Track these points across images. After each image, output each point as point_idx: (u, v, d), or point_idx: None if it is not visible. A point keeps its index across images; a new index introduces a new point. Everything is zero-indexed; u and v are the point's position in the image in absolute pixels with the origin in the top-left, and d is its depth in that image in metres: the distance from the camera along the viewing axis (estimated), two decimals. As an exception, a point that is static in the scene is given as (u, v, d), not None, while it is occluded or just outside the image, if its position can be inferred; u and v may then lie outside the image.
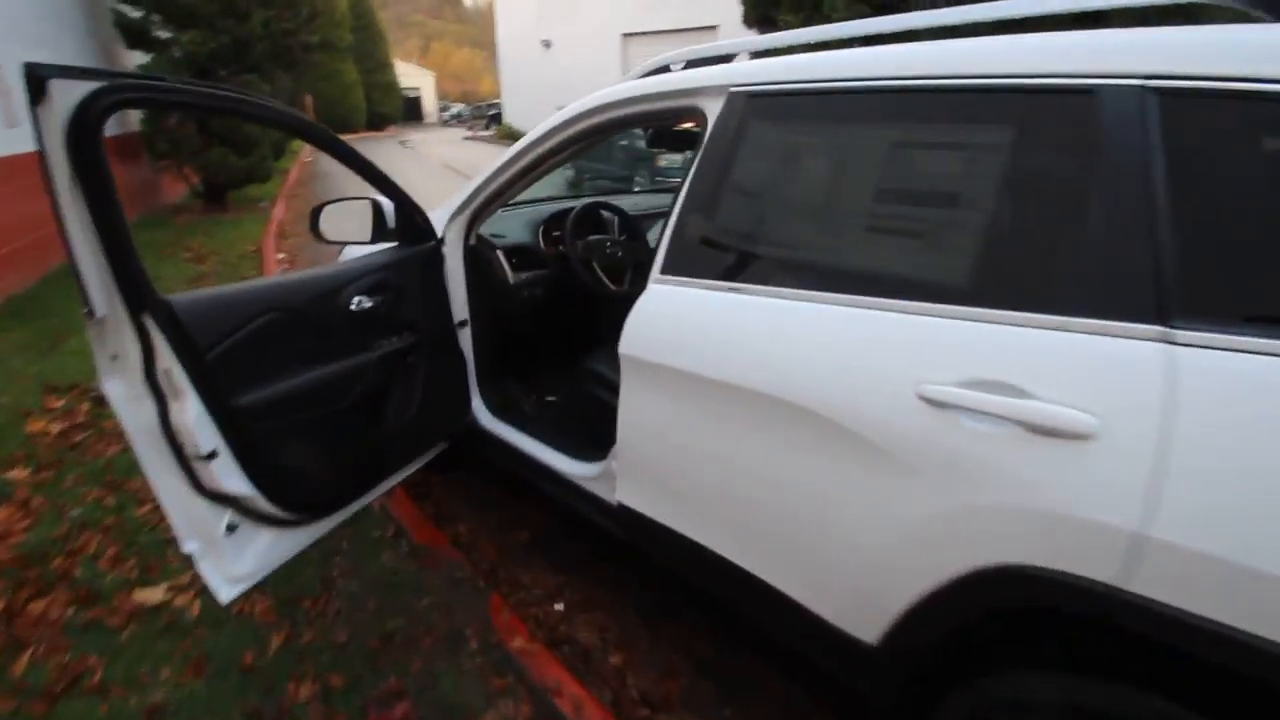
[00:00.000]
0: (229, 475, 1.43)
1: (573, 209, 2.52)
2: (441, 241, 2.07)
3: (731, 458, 1.36)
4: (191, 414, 1.34)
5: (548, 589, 2.08)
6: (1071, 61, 1.02)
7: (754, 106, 1.39)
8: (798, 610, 1.30)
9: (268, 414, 1.50)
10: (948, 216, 1.15)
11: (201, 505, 1.43)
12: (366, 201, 1.94)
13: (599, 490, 1.89)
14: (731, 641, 1.87)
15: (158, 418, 1.34)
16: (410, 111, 40.54)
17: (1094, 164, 0.97)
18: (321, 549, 2.12)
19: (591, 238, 2.32)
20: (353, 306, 1.71)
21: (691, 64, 1.73)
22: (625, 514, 1.69)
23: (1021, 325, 1.00)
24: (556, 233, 2.44)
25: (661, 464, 1.54)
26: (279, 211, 8.98)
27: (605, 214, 2.48)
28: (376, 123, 31.56)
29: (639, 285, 1.55)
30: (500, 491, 2.55)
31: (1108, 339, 0.93)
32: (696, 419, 1.41)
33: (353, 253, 2.11)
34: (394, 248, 1.95)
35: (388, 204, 1.94)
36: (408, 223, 1.94)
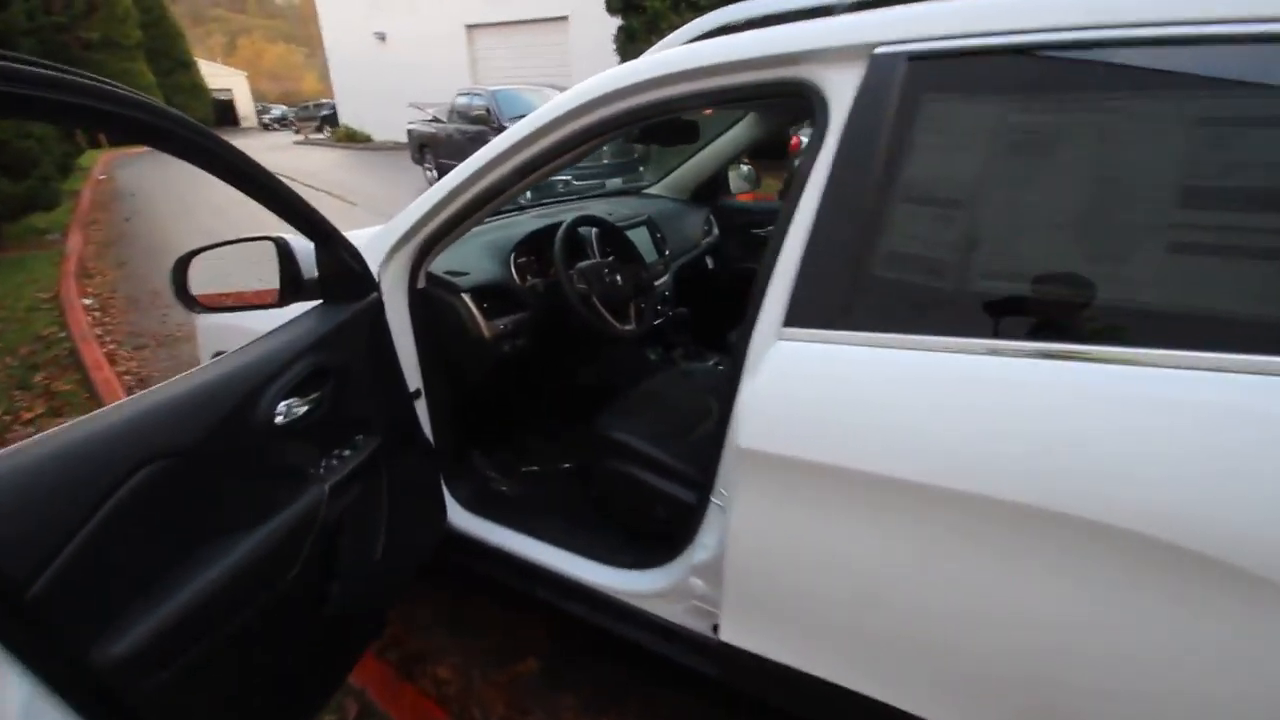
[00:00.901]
0: None
1: (549, 229, 1.95)
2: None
3: (963, 599, 0.91)
4: (13, 712, 0.68)
5: (593, 748, 1.54)
6: None
7: (927, 74, 0.94)
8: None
9: (157, 660, 0.84)
10: None
11: None
12: (265, 243, 1.27)
13: (665, 612, 1.39)
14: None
15: None
16: (223, 116, 36.20)
17: None
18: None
19: (583, 264, 1.76)
20: (278, 419, 1.07)
21: (772, 19, 1.23)
22: (735, 656, 1.20)
23: None
24: (523, 259, 1.85)
25: (812, 596, 1.07)
26: (75, 244, 7.30)
27: (581, 229, 1.93)
28: (185, 130, 27.55)
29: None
30: (479, 599, 1.93)
31: None
32: (889, 542, 0.95)
33: (247, 327, 1.40)
34: (319, 309, 1.30)
35: (302, 245, 1.28)
36: (338, 270, 1.30)
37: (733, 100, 1.16)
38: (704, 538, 1.29)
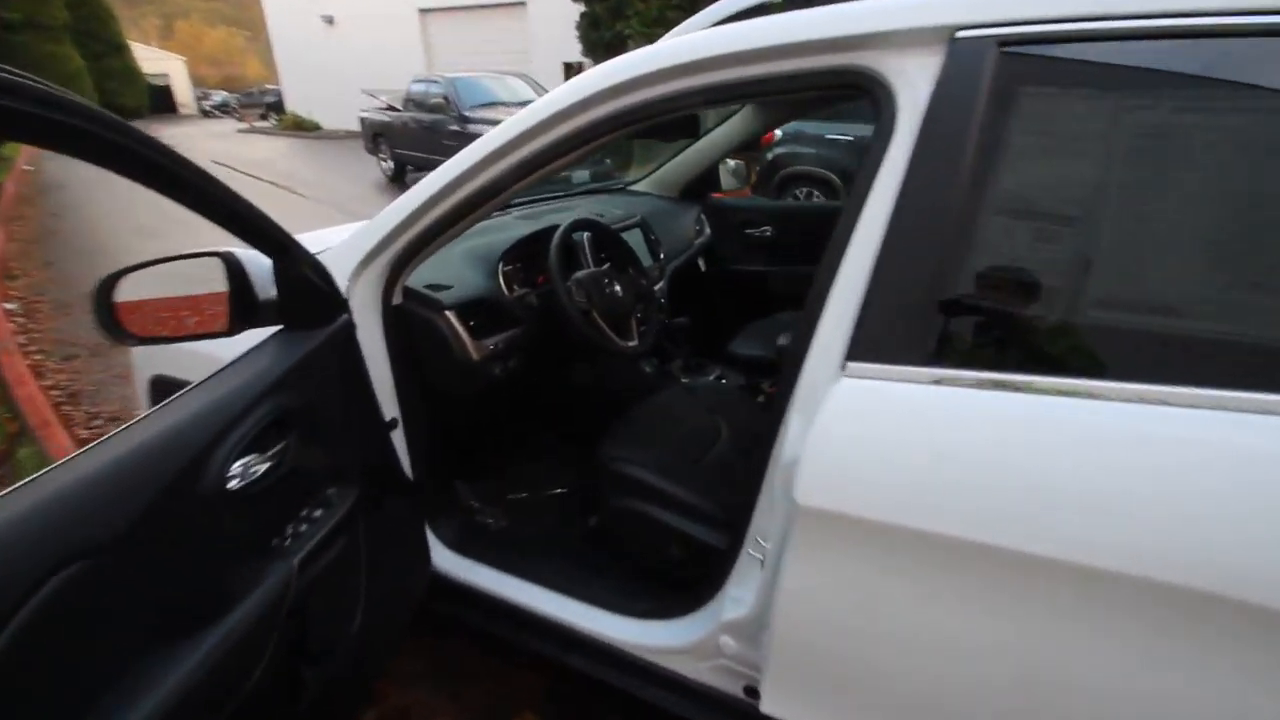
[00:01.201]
0: None
1: (541, 234, 1.76)
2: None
3: (1088, 697, 0.77)
4: None
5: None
6: None
7: (1023, 64, 0.79)
8: None
9: None
10: None
11: None
12: (211, 259, 1.06)
13: (686, 670, 1.24)
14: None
15: None
16: (160, 102, 34.33)
17: None
18: None
19: (580, 275, 1.57)
20: (232, 483, 0.87)
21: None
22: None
23: None
24: (508, 267, 1.65)
25: (881, 674, 0.92)
26: (-4, 241, 6.72)
27: (573, 234, 1.74)
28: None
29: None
30: (466, 645, 1.75)
31: None
32: (989, 621, 0.80)
33: (191, 345, 1.18)
34: (279, 338, 1.09)
35: (255, 260, 1.07)
36: (301, 288, 1.09)
37: (773, 93, 1.00)
38: (735, 590, 1.14)
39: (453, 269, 1.55)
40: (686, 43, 1.00)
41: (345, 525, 1.06)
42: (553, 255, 1.54)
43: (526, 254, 1.69)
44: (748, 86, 0.99)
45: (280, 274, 1.07)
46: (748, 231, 2.50)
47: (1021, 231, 0.80)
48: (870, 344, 0.84)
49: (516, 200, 2.16)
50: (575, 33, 9.83)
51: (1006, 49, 0.79)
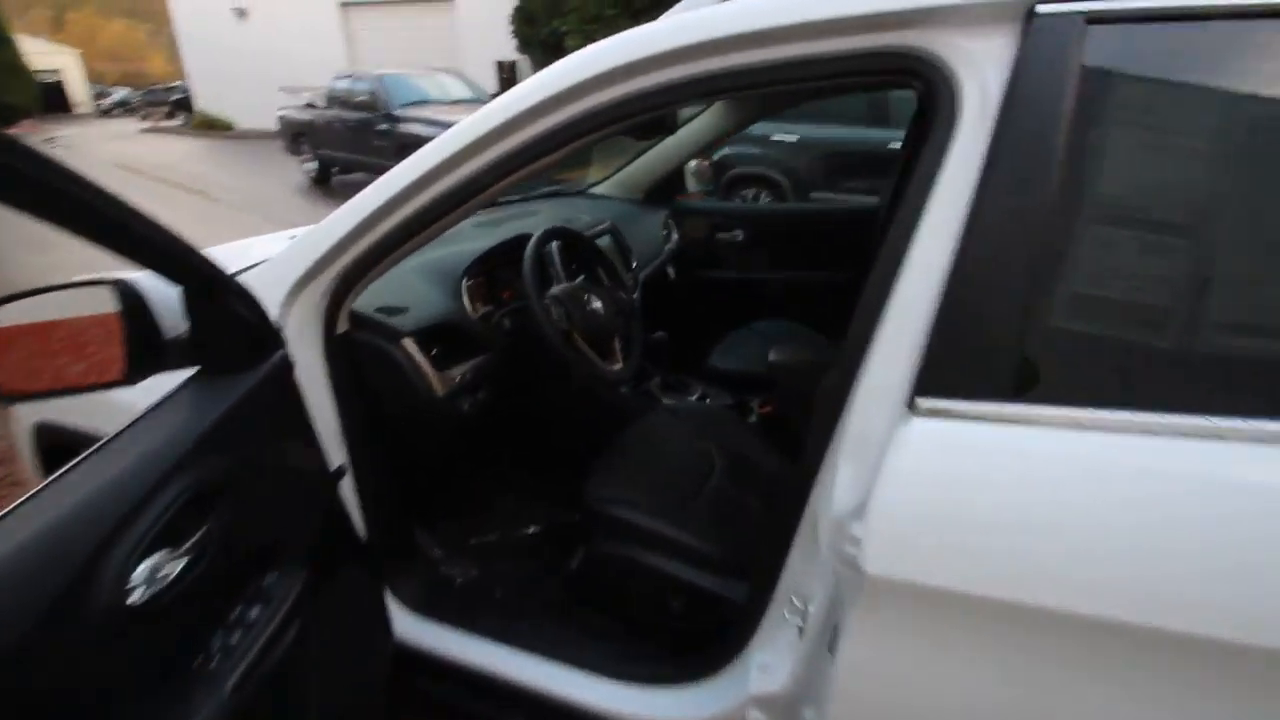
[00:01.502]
0: None
1: (509, 245, 1.56)
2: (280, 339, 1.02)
3: None
4: None
5: None
6: None
7: (1120, 43, 0.67)
8: None
9: None
10: None
11: None
12: (100, 288, 0.84)
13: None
14: None
15: None
16: (52, 100, 31.68)
17: None
18: None
19: (556, 291, 1.38)
20: (135, 596, 0.65)
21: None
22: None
23: None
24: (470, 281, 1.44)
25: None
26: None
27: (546, 245, 1.54)
28: (6, 116, 23.65)
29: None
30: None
31: None
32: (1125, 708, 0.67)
33: (79, 406, 0.92)
34: (195, 388, 0.87)
35: (159, 287, 0.84)
36: (221, 321, 0.87)
37: (799, 80, 0.84)
38: (763, 655, 0.99)
39: (408, 288, 1.33)
40: (697, 20, 0.84)
41: (290, 621, 0.84)
42: (528, 270, 1.35)
43: (491, 268, 1.48)
44: (767, 73, 0.84)
45: (192, 304, 0.84)
46: (719, 236, 2.36)
47: (1133, 243, 0.67)
48: (948, 377, 0.70)
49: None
50: (508, 28, 9.54)
51: (1098, 25, 0.67)
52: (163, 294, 0.83)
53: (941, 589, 0.69)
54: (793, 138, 5.51)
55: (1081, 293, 0.68)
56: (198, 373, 0.86)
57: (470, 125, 0.95)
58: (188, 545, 0.70)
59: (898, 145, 5.11)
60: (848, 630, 0.78)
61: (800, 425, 1.46)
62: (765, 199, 5.61)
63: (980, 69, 0.72)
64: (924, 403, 0.71)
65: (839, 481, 0.79)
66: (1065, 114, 0.67)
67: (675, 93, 0.89)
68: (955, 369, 0.70)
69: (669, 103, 0.91)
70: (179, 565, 0.69)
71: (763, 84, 0.87)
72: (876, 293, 0.77)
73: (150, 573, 0.66)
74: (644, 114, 0.93)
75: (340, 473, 1.17)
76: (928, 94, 0.76)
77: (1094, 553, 0.63)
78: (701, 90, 0.88)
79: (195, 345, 0.86)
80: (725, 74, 0.85)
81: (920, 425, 0.71)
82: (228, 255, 1.25)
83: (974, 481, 0.68)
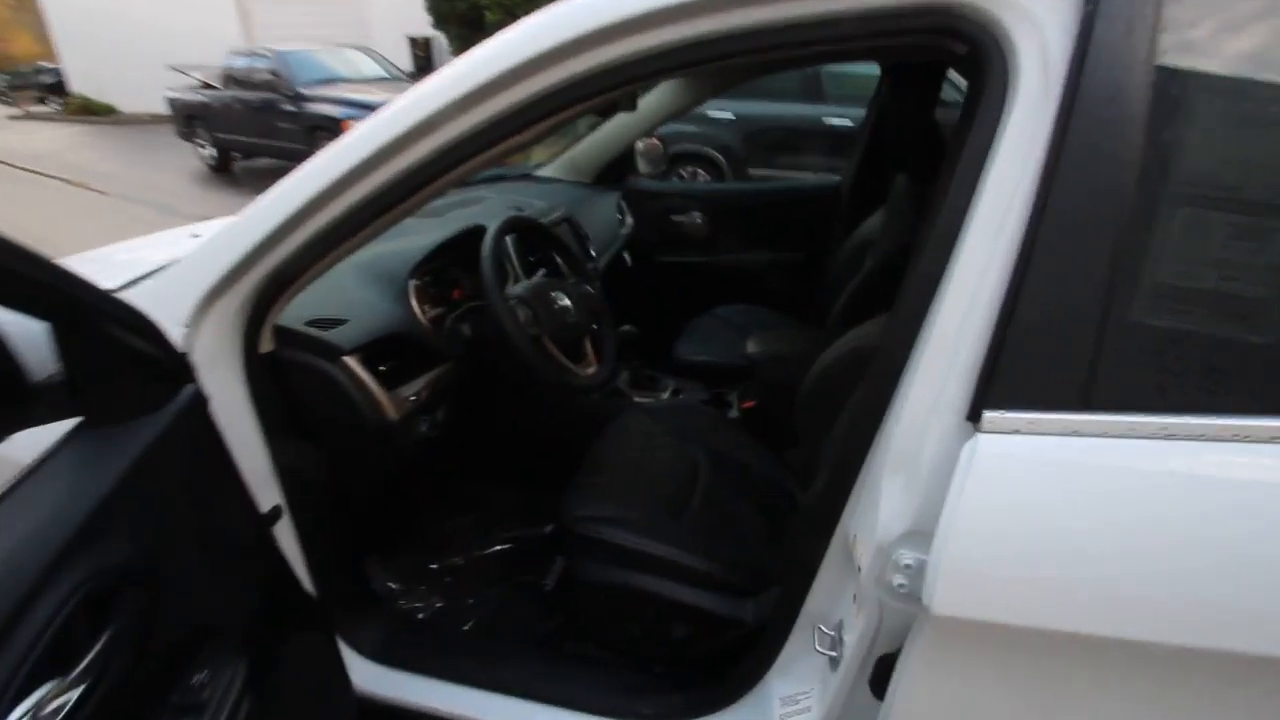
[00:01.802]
0: None
1: (460, 238, 1.38)
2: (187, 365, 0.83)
3: None
4: None
5: None
6: None
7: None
8: None
9: None
10: None
11: None
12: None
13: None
14: None
15: None
16: (-105, 85, 28.08)
17: None
18: None
19: (518, 289, 1.21)
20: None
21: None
22: None
23: None
24: (415, 282, 1.26)
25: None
26: None
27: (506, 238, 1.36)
28: None
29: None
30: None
31: None
32: None
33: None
34: (79, 444, 0.67)
35: (16, 321, 0.64)
36: (107, 355, 0.68)
37: (813, 43, 0.72)
38: (785, 685, 0.91)
39: (344, 295, 1.13)
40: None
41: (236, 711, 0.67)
42: (487, 268, 1.17)
43: (438, 265, 1.30)
44: (772, 36, 0.71)
45: (65, 339, 0.65)
46: (674, 218, 2.23)
47: (1231, 229, 0.58)
48: (1020, 386, 0.60)
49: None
50: (420, 1, 9.00)
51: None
52: (22, 329, 0.63)
53: (1028, 628, 0.60)
54: (728, 115, 5.42)
55: (1176, 286, 0.58)
56: (79, 426, 0.67)
57: (419, 100, 0.77)
58: (83, 666, 0.53)
59: (834, 121, 5.17)
60: (906, 671, 0.69)
61: (785, 420, 1.36)
62: (703, 178, 5.51)
63: (1040, 30, 0.61)
64: (992, 415, 0.61)
65: (884, 504, 0.69)
66: (1147, 83, 0.57)
67: (665, 59, 0.75)
68: (1030, 376, 0.60)
69: (659, 71, 0.77)
70: (71, 697, 0.51)
71: (766, 49, 0.74)
72: (916, 296, 0.67)
73: (32, 714, 0.48)
74: (628, 85, 0.78)
75: (276, 515, 0.99)
76: (973, 62, 0.66)
77: (1211, 578, 0.55)
78: (694, 57, 0.74)
79: (72, 390, 0.66)
80: (736, 35, 0.71)
81: (990, 442, 0.61)
82: (111, 263, 1.04)
83: (1062, 505, 0.59)
